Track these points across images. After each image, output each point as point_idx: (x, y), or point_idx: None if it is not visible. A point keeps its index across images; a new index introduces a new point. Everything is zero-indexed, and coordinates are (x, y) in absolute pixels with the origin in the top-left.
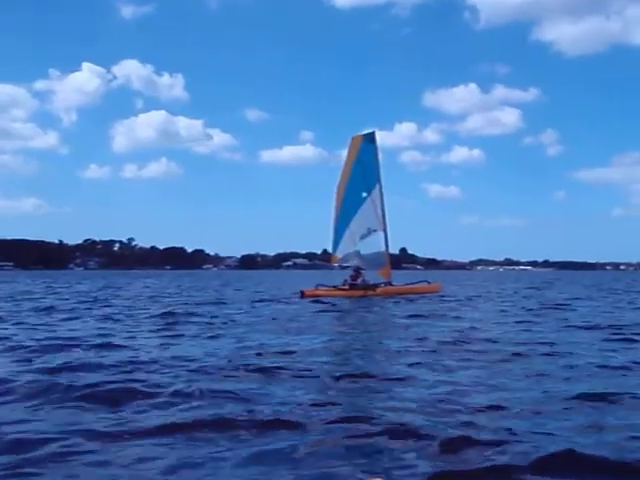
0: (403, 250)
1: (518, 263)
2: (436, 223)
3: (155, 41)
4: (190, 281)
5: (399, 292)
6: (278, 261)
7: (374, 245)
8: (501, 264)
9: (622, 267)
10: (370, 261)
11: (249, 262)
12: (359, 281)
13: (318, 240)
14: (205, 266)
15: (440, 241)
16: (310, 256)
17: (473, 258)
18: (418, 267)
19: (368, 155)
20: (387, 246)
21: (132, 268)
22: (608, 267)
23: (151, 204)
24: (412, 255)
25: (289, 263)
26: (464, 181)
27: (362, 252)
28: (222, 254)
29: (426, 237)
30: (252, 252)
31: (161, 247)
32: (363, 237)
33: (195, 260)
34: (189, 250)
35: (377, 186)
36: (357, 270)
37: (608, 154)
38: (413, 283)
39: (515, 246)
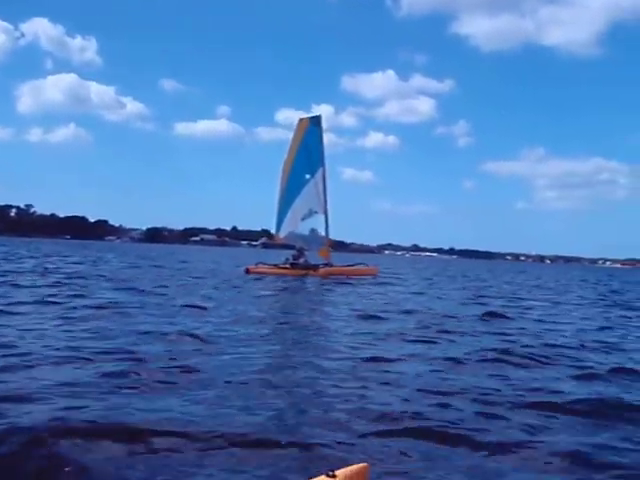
0: (313, 231)
1: (425, 249)
2: (348, 206)
3: (67, 0)
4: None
5: (339, 273)
6: (186, 236)
7: (314, 226)
8: (408, 250)
9: (522, 258)
10: (310, 242)
11: (155, 235)
12: (301, 261)
13: (228, 217)
14: (108, 237)
15: (351, 224)
16: (219, 233)
17: (382, 242)
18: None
19: (313, 137)
20: (327, 228)
21: (28, 235)
22: (508, 257)
23: (56, 170)
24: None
25: (197, 238)
26: (378, 166)
27: (304, 233)
28: (127, 226)
29: (337, 219)
30: (159, 225)
31: (62, 215)
32: (305, 218)
33: (97, 230)
34: (92, 220)
35: (320, 169)
36: (300, 250)
37: (516, 148)
38: (352, 265)
39: (423, 233)
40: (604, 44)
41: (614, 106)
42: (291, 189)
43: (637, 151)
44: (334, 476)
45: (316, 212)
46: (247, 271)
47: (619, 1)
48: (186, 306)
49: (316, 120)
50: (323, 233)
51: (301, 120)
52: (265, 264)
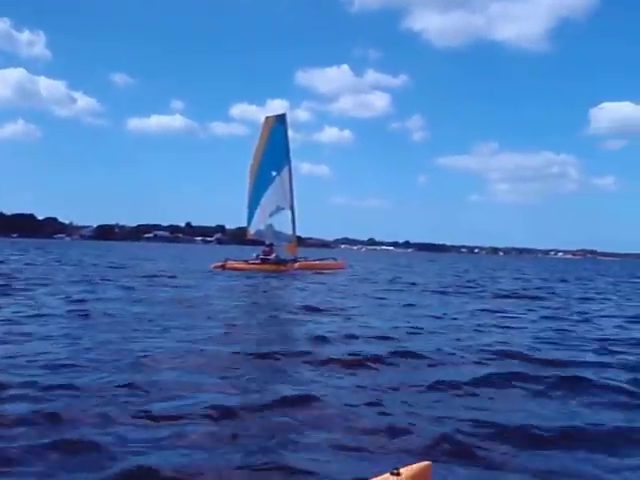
0: (270, 226)
1: (381, 243)
2: (305, 201)
3: None
4: None
5: (310, 267)
6: (139, 233)
7: (282, 222)
8: (364, 244)
9: (476, 250)
10: (278, 237)
11: (106, 232)
12: (272, 257)
13: (182, 213)
14: (57, 235)
15: (307, 219)
16: (173, 229)
17: (338, 237)
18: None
19: (278, 135)
20: (294, 224)
21: None
22: (463, 250)
23: (3, 167)
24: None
25: (150, 235)
26: (334, 161)
27: (273, 229)
28: (78, 223)
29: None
30: (111, 222)
31: (8, 213)
32: (272, 214)
33: (46, 228)
34: (40, 217)
35: (286, 166)
36: (270, 246)
37: (469, 142)
38: (322, 259)
39: (379, 227)
40: (552, 40)
41: (562, 100)
42: (258, 186)
43: (585, 145)
44: (398, 474)
45: (283, 208)
46: (223, 267)
47: None
48: None
49: (281, 118)
50: (284, 229)
51: (267, 118)
52: (234, 260)
